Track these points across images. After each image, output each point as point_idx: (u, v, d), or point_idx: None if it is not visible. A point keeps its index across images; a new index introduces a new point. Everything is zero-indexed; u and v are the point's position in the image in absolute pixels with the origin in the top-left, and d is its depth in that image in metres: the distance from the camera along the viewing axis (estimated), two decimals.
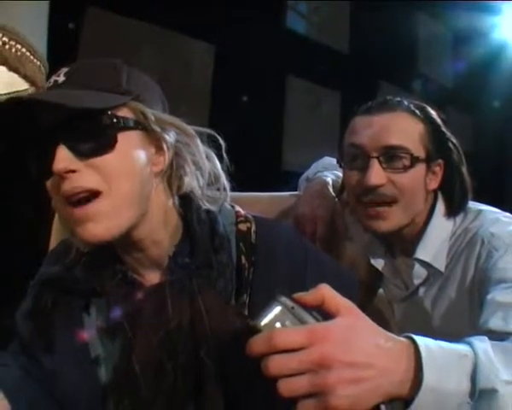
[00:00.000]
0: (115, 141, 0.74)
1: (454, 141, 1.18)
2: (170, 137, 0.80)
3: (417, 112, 1.16)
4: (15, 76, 0.83)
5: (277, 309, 0.61)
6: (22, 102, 0.73)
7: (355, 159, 1.15)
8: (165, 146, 0.79)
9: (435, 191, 1.19)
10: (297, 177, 1.59)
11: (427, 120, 1.16)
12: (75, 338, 0.83)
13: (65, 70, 0.78)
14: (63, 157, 0.72)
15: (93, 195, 0.73)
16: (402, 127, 1.13)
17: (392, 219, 1.13)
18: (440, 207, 1.18)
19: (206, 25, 2.92)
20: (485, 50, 4.26)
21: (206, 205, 0.85)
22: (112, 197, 0.74)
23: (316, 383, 0.57)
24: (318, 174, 1.46)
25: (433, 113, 1.19)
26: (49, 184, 0.76)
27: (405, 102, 1.18)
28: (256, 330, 0.60)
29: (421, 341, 0.63)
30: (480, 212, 1.16)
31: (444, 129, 1.18)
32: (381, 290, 1.35)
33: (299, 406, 0.58)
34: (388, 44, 3.94)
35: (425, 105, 1.20)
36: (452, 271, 1.14)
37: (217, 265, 0.82)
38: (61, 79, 0.77)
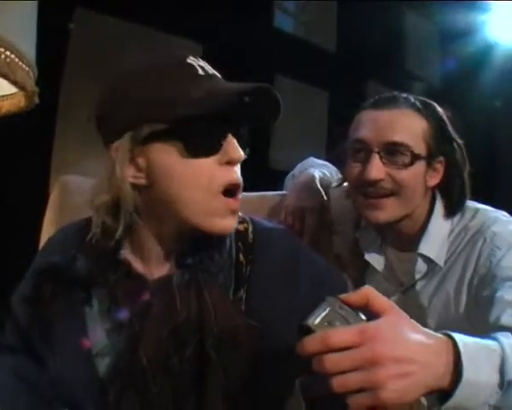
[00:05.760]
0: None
1: (459, 141, 1.20)
2: None
3: (423, 109, 1.17)
4: (4, 81, 0.84)
5: (327, 310, 0.65)
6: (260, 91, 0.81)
7: (358, 152, 1.18)
8: None
9: (434, 189, 1.21)
10: (284, 176, 1.61)
11: (432, 117, 1.17)
12: (75, 329, 0.83)
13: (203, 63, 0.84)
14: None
15: None
16: (405, 124, 1.14)
17: (389, 210, 1.16)
18: (439, 208, 1.20)
19: (194, 24, 2.93)
20: (474, 49, 4.27)
21: None
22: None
23: (367, 379, 0.61)
24: (305, 171, 1.48)
25: (439, 110, 1.19)
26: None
27: (412, 99, 1.18)
28: (307, 330, 0.64)
29: (458, 337, 0.68)
30: (477, 210, 1.18)
31: (449, 128, 1.19)
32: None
33: (350, 400, 0.62)
34: (376, 43, 3.96)
35: (432, 102, 1.21)
36: (451, 267, 1.17)
37: (218, 259, 0.85)
38: (210, 70, 0.84)
